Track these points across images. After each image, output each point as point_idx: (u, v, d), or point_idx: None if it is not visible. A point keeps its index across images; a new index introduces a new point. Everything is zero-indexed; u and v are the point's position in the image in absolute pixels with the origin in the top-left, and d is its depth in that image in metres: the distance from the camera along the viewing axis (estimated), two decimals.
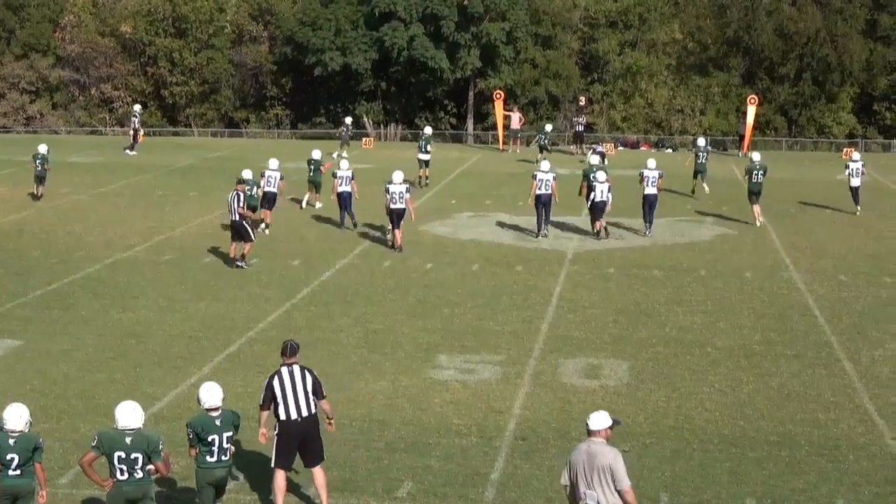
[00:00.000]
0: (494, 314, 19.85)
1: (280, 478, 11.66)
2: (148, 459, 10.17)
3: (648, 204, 27.56)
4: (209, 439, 10.75)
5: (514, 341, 18.18)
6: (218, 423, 10.79)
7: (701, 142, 35.03)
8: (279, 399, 11.48)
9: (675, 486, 12.49)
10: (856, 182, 30.81)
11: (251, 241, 23.39)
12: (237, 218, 23.13)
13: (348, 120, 44.55)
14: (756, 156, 30.66)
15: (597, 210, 26.61)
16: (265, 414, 11.69)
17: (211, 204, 31.45)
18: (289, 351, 11.62)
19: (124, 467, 10.13)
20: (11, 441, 10.18)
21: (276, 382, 11.50)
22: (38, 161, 31.91)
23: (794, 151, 50.16)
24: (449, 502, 12.14)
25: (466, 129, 53.76)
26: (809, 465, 13.20)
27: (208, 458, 10.81)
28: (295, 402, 11.46)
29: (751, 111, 46.41)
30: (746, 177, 29.98)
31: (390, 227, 25.39)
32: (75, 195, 33.13)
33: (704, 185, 33.98)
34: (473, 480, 12.65)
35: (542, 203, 26.89)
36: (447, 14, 51.41)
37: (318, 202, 30.67)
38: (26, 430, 10.27)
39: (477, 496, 12.27)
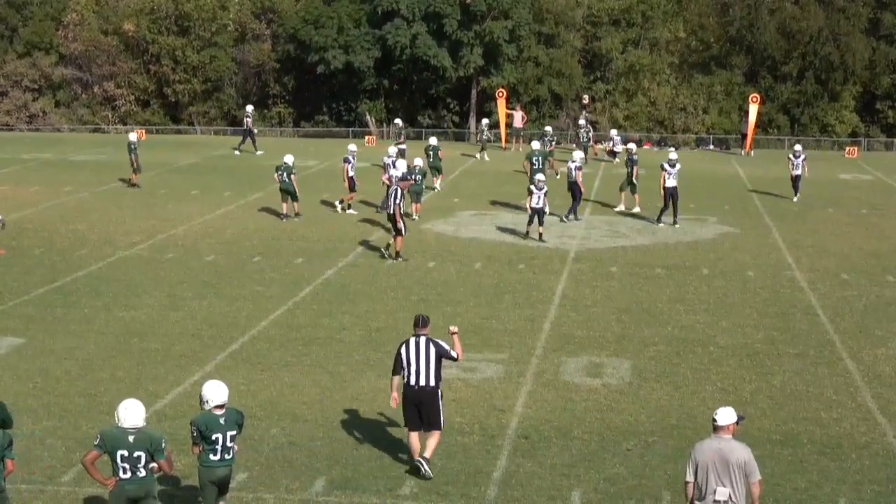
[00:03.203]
0: (497, 312, 19.86)
1: (413, 439, 12.70)
2: (151, 458, 10.15)
3: (669, 195, 28.54)
4: (213, 437, 10.68)
5: (517, 340, 18.19)
6: (222, 421, 10.73)
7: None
8: (403, 364, 12.50)
9: (678, 485, 12.44)
10: (796, 172, 33.09)
11: (402, 235, 23.96)
12: (391, 212, 23.76)
13: (485, 122, 45.94)
14: (632, 146, 32.56)
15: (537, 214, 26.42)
16: (396, 379, 12.67)
17: (213, 202, 31.48)
18: (421, 322, 12.65)
19: (127, 466, 10.11)
20: None
21: (403, 349, 12.56)
22: (131, 150, 34.13)
23: None
24: (451, 500, 12.14)
25: (469, 128, 53.72)
26: (812, 464, 13.21)
27: (212, 456, 10.76)
28: (416, 370, 12.43)
29: (753, 110, 46.39)
30: (632, 168, 30.85)
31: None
32: (77, 193, 33.15)
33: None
34: (476, 479, 12.66)
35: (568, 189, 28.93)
36: (450, 12, 51.36)
37: (438, 184, 32.54)
38: None
39: (479, 494, 12.28)
